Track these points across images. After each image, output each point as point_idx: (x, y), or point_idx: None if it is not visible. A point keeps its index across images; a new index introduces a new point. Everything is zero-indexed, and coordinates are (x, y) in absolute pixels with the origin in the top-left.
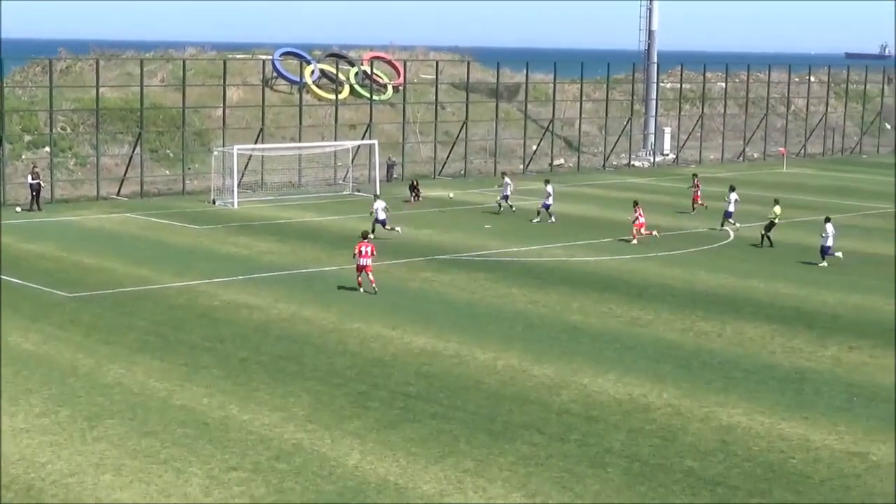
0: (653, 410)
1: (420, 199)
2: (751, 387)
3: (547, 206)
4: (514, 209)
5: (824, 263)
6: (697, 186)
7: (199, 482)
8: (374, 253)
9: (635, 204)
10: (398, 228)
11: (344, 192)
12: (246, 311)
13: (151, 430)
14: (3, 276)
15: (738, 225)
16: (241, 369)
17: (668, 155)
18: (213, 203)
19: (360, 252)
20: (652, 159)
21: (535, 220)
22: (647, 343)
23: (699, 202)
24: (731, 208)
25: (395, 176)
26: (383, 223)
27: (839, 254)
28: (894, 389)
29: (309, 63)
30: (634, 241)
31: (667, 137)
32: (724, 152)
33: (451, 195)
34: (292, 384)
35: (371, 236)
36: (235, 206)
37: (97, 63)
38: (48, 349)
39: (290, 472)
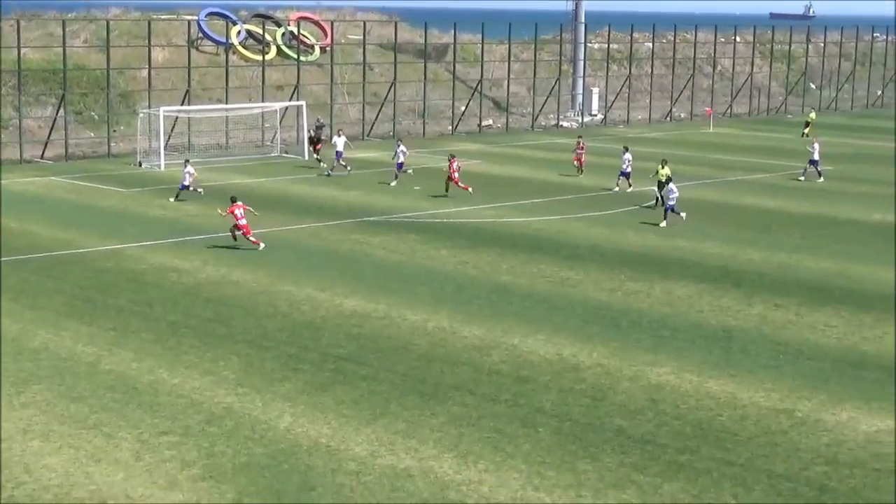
0: (583, 370)
1: (320, 151)
2: (679, 346)
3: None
4: (411, 172)
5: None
6: (582, 149)
7: (129, 447)
8: (248, 210)
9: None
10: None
11: (272, 154)
12: (174, 274)
13: (80, 395)
14: None
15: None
16: (170, 333)
17: (596, 115)
18: (140, 165)
19: (237, 214)
20: (580, 120)
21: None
22: (577, 303)
23: (580, 164)
24: (628, 168)
25: (323, 138)
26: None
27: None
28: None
29: (235, 24)
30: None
31: (595, 98)
32: (651, 112)
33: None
34: (222, 347)
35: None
36: (162, 168)
37: (18, 23)
38: None
39: (222, 436)
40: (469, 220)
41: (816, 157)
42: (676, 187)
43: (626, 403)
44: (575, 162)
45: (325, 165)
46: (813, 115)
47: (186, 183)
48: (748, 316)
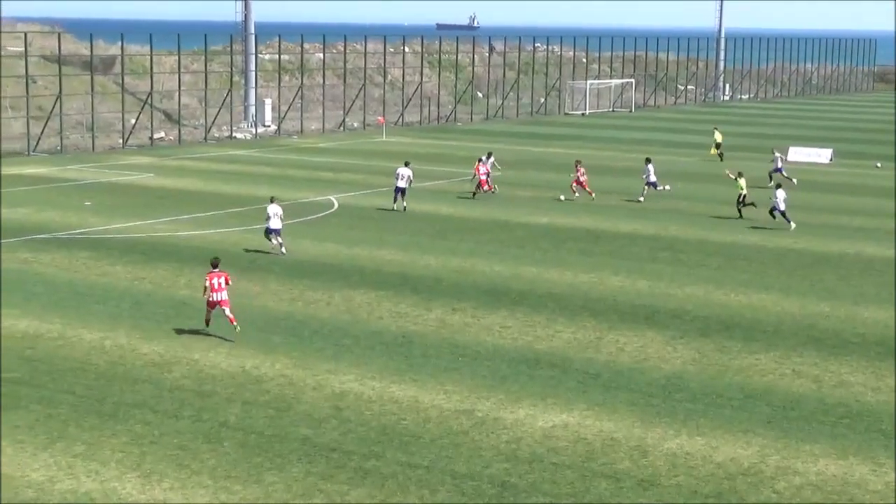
0: (266, 381)
1: None
2: (361, 353)
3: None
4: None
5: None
6: (583, 174)
7: None
8: (230, 283)
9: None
10: (283, 249)
11: None
12: None
13: None
14: None
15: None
16: None
17: (269, 126)
18: None
19: (213, 285)
20: (254, 131)
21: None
22: (257, 314)
23: (586, 189)
24: (653, 178)
25: None
26: (275, 232)
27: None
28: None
29: None
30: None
31: (268, 109)
32: (325, 122)
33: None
34: None
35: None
36: None
37: None
38: None
39: None
40: (143, 235)
41: (780, 165)
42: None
43: (311, 412)
44: (574, 185)
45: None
46: (718, 135)
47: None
48: (427, 320)
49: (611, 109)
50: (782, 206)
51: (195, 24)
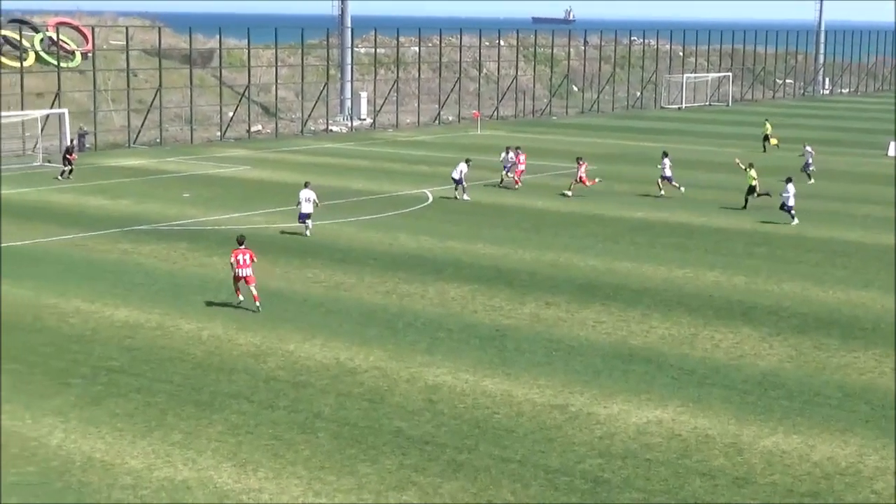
0: (360, 373)
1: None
2: (454, 346)
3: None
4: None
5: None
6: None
7: None
8: (255, 260)
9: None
10: (309, 231)
11: (34, 164)
12: None
13: None
14: None
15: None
16: None
17: (365, 119)
18: None
19: (239, 261)
20: (349, 124)
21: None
22: (352, 307)
23: (585, 184)
24: (668, 172)
25: (87, 146)
26: (303, 217)
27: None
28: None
29: None
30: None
31: (363, 102)
32: (420, 116)
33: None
34: None
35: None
36: None
37: None
38: None
39: None
40: (240, 227)
41: (811, 160)
42: (792, 187)
43: (405, 405)
44: (583, 183)
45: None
46: (768, 126)
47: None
48: (521, 315)
49: (707, 103)
50: (791, 202)
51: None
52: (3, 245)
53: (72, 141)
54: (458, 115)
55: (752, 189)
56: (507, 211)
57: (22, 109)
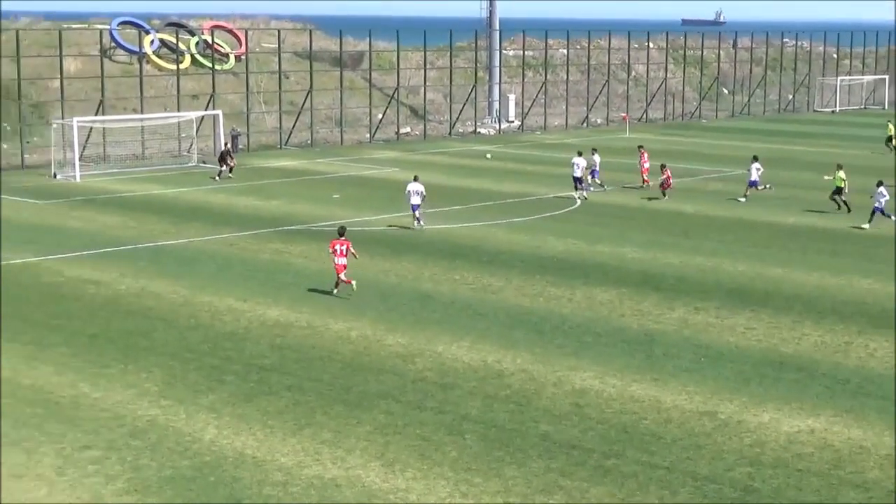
0: (507, 376)
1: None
2: (602, 350)
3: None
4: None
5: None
6: (643, 158)
7: (51, 462)
8: (351, 251)
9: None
10: (421, 223)
11: (189, 164)
12: (93, 286)
13: None
14: None
15: (769, 186)
16: (90, 346)
17: (512, 122)
18: (55, 177)
19: (336, 250)
20: (497, 126)
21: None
22: (499, 309)
23: (643, 176)
24: (755, 177)
25: (240, 147)
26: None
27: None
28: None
29: (148, 32)
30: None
31: (511, 104)
32: (567, 118)
33: (336, 195)
34: (144, 360)
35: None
36: (78, 179)
37: None
38: None
39: (146, 449)
40: (389, 229)
41: None
42: (886, 191)
43: (551, 409)
44: (644, 175)
45: (224, 171)
46: (891, 127)
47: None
48: (669, 320)
49: (862, 107)
50: (881, 204)
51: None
52: (160, 244)
53: (226, 144)
54: (606, 118)
55: (839, 190)
56: (655, 215)
57: (178, 111)
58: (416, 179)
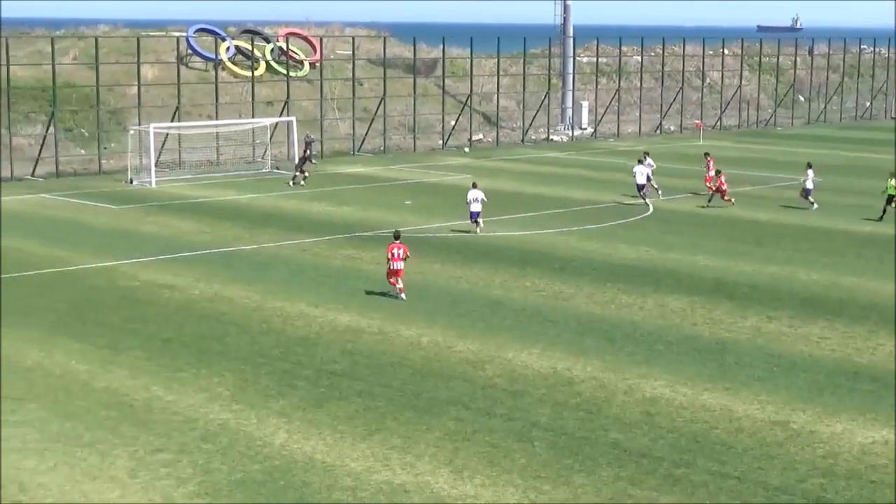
0: (577, 384)
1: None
2: (673, 358)
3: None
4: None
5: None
6: (710, 166)
7: (124, 464)
8: (408, 255)
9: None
10: (480, 227)
11: (263, 170)
12: (167, 291)
13: (74, 413)
14: None
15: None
16: (164, 350)
17: (585, 129)
18: (131, 182)
19: (393, 255)
20: (570, 133)
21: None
22: (570, 316)
23: (707, 183)
24: (810, 185)
25: (315, 153)
26: (474, 215)
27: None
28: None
29: (224, 40)
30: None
31: (584, 111)
32: (641, 125)
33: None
34: (216, 364)
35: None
36: (153, 185)
37: (6, 41)
38: None
39: (217, 453)
40: (460, 235)
41: None
42: None
43: (622, 417)
44: (708, 183)
45: (299, 177)
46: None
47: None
48: (742, 328)
49: None
50: None
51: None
52: (234, 249)
53: (305, 150)
54: (679, 125)
55: (891, 199)
56: (728, 222)
57: (252, 117)
58: (474, 186)
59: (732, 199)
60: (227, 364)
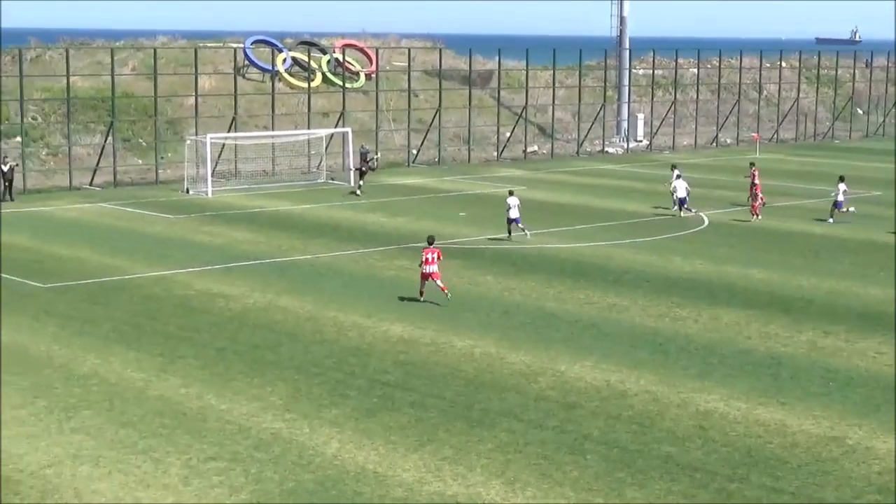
0: (630, 396)
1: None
2: (727, 372)
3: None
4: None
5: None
6: (754, 175)
7: (177, 472)
8: (441, 258)
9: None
10: (527, 232)
11: (318, 181)
12: (222, 300)
13: (129, 420)
14: None
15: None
16: (217, 359)
17: (641, 141)
18: (187, 192)
19: (427, 259)
20: (625, 145)
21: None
22: (624, 329)
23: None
24: (841, 198)
25: (369, 163)
26: (516, 221)
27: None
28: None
29: (281, 51)
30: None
31: (640, 124)
32: (697, 138)
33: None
34: (269, 373)
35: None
36: (209, 194)
37: (67, 52)
38: (23, 340)
39: (269, 462)
40: (514, 246)
41: None
42: None
43: (675, 430)
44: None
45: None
46: None
47: (515, 215)
48: (797, 343)
49: None
50: None
51: (571, 40)
52: (288, 259)
53: (366, 161)
54: (736, 138)
55: None
56: (784, 236)
57: (308, 128)
58: (511, 194)
59: (760, 214)
60: (281, 373)
